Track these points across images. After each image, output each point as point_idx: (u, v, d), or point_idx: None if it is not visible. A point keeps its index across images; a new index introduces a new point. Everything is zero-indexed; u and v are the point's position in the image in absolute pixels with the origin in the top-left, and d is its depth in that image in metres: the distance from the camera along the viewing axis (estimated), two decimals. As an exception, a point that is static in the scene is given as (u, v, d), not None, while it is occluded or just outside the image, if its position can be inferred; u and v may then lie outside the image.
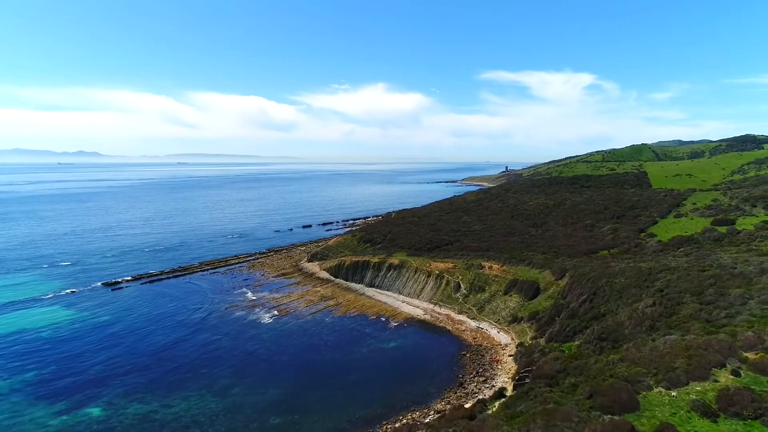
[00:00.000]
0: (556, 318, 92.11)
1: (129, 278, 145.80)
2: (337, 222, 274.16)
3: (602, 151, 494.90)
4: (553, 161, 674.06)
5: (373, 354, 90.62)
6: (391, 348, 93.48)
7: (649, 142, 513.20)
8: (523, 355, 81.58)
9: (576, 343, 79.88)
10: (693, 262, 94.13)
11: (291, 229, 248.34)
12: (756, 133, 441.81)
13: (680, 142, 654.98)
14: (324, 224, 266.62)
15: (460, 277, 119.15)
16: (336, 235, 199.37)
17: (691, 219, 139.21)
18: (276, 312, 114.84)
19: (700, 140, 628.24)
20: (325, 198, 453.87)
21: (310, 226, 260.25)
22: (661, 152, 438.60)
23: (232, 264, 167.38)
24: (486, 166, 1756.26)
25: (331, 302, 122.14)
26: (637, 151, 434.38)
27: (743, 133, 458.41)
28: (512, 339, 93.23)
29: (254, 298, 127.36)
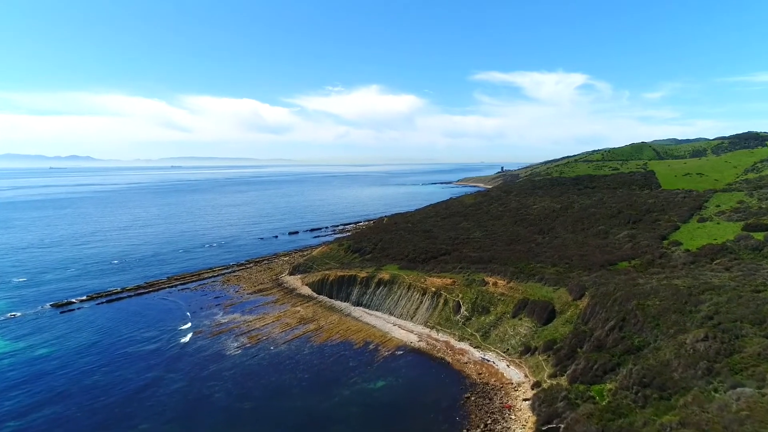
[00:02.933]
0: (579, 349, 76.04)
1: (84, 297, 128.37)
2: (326, 228, 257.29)
3: (601, 150, 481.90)
4: (550, 161, 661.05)
5: (356, 398, 74.01)
6: (378, 389, 76.90)
7: (645, 140, 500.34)
8: (542, 401, 65.26)
9: (608, 386, 63.88)
10: (740, 279, 78.53)
11: (276, 237, 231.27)
12: (758, 131, 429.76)
13: (676, 141, 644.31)
14: (312, 230, 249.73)
15: (461, 296, 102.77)
16: (323, 243, 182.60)
17: (718, 224, 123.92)
18: (245, 339, 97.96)
19: (696, 138, 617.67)
20: (315, 201, 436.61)
21: (296, 232, 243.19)
22: (662, 151, 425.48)
23: (206, 278, 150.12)
24: (481, 166, 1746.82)
25: (311, 326, 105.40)
26: (638, 149, 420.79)
27: (740, 131, 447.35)
28: (526, 376, 76.98)
29: (223, 321, 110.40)
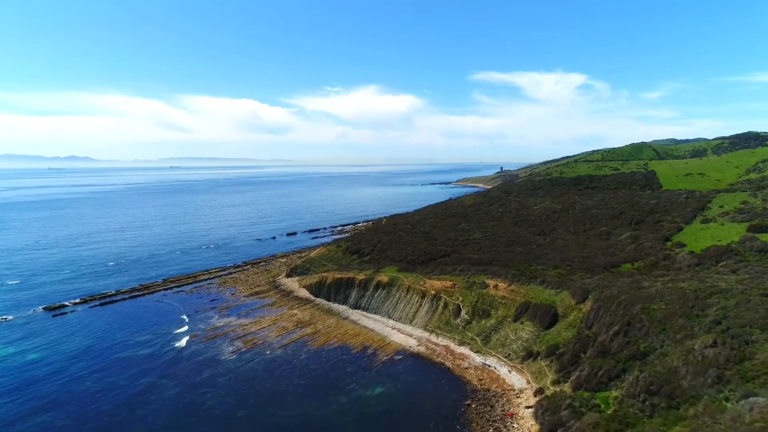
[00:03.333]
0: (582, 355, 74.08)
1: (77, 300, 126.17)
2: (325, 229, 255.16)
3: (601, 150, 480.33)
4: (549, 161, 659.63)
5: (353, 406, 71.94)
6: (376, 396, 74.83)
7: (644, 140, 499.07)
8: (546, 409, 63.29)
9: (614, 393, 61.92)
10: (748, 282, 76.50)
11: (274, 238, 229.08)
12: (758, 131, 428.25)
13: (675, 141, 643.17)
14: (310, 231, 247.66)
15: (461, 299, 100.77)
16: (321, 245, 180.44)
17: (722, 225, 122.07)
18: (241, 344, 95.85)
19: (696, 138, 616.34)
20: (314, 202, 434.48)
21: (294, 233, 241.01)
22: (662, 151, 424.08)
23: (202, 280, 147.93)
24: (480, 166, 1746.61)
25: (308, 330, 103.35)
26: (638, 149, 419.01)
27: (739, 131, 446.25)
28: (528, 382, 74.97)
29: (219, 324, 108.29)
